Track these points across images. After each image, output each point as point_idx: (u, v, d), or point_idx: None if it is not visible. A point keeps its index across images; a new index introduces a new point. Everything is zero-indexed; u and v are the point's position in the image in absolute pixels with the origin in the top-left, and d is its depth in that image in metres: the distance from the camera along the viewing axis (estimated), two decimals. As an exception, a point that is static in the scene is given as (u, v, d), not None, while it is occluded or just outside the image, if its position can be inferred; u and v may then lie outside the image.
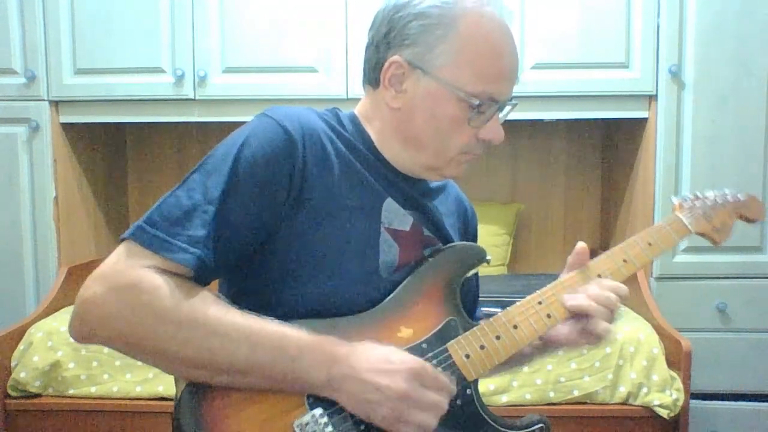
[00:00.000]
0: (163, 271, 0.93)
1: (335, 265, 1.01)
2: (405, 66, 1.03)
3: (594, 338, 1.06)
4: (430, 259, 1.09)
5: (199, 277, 0.96)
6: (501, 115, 1.08)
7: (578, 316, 1.06)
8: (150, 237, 0.94)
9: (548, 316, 1.07)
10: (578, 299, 1.06)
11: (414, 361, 0.95)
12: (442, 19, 1.01)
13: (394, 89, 1.05)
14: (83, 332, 0.94)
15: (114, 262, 0.94)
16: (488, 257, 1.13)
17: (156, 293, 0.91)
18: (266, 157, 0.97)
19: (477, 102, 1.02)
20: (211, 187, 0.96)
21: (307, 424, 0.93)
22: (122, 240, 0.96)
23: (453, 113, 1.03)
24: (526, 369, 2.10)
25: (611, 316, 1.06)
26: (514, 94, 1.09)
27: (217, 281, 1.08)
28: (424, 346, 1.02)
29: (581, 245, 1.11)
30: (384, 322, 1.02)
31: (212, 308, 0.93)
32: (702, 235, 1.24)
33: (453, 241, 1.15)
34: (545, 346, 1.13)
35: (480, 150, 1.09)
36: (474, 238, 1.27)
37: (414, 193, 1.11)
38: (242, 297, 1.03)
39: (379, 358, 0.94)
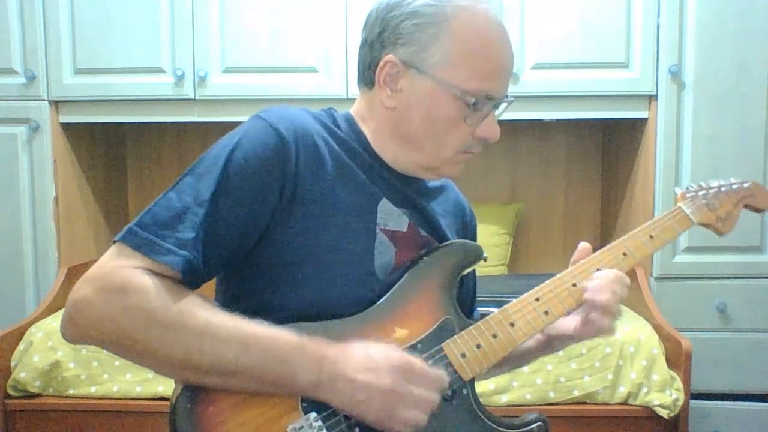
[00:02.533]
0: (153, 273, 0.93)
1: (331, 267, 1.01)
2: (399, 65, 1.03)
3: (599, 331, 1.06)
4: (426, 258, 1.08)
5: (188, 280, 0.96)
6: (497, 112, 1.07)
7: (584, 308, 1.06)
8: (139, 239, 0.94)
9: (546, 313, 1.07)
10: (601, 296, 1.05)
11: (399, 357, 0.95)
12: (435, 17, 1.01)
13: (389, 89, 1.05)
14: (74, 333, 0.94)
15: (104, 263, 0.94)
16: (485, 255, 1.13)
17: (144, 295, 0.91)
18: (258, 159, 0.97)
19: (473, 100, 1.02)
20: (202, 189, 0.96)
21: (301, 428, 0.94)
22: (114, 242, 0.96)
23: (449, 112, 1.03)
24: (526, 369, 2.10)
25: (618, 308, 1.06)
26: (515, 94, 1.09)
27: (213, 285, 1.08)
28: (419, 346, 1.02)
29: (584, 245, 1.11)
30: (379, 322, 1.02)
31: (201, 310, 0.93)
32: (705, 225, 1.21)
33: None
34: (550, 341, 1.13)
35: (477, 148, 1.08)
36: (473, 239, 1.26)
37: (410, 193, 1.11)
38: (238, 300, 1.03)
39: (364, 357, 0.94)
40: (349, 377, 0.93)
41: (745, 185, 1.26)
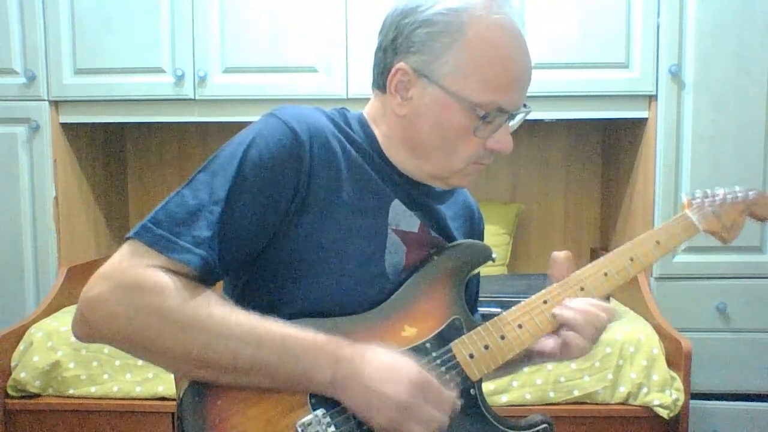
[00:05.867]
0: (168, 271, 0.92)
1: (341, 265, 1.01)
2: (411, 73, 1.01)
3: (573, 352, 1.06)
4: (435, 258, 1.08)
5: (204, 278, 0.96)
6: (512, 123, 1.06)
7: (562, 327, 1.06)
8: (154, 236, 0.93)
9: (554, 315, 1.07)
10: (566, 312, 1.05)
11: (419, 373, 0.94)
12: (449, 26, 0.99)
13: (400, 96, 1.03)
14: (86, 331, 0.93)
15: (118, 261, 0.93)
16: (494, 255, 1.13)
17: (160, 293, 0.90)
18: (273, 158, 0.97)
19: (483, 113, 1.00)
20: (217, 187, 0.96)
21: (309, 424, 0.94)
22: (127, 239, 0.96)
23: (459, 123, 1.01)
24: (526, 369, 2.09)
25: (597, 334, 1.05)
26: None
27: (221, 281, 1.08)
28: (428, 345, 1.02)
29: (559, 255, 1.10)
30: (388, 321, 1.02)
31: (216, 308, 0.93)
32: (711, 233, 1.23)
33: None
34: (529, 355, 1.12)
35: (488, 159, 1.07)
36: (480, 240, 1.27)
37: (420, 196, 1.10)
38: (248, 297, 1.03)
39: (383, 365, 0.93)
40: (365, 382, 0.92)
41: (750, 195, 1.26)
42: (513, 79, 1.01)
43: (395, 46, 1.03)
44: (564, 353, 1.07)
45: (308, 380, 0.93)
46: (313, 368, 0.92)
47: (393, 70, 1.03)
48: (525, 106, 1.06)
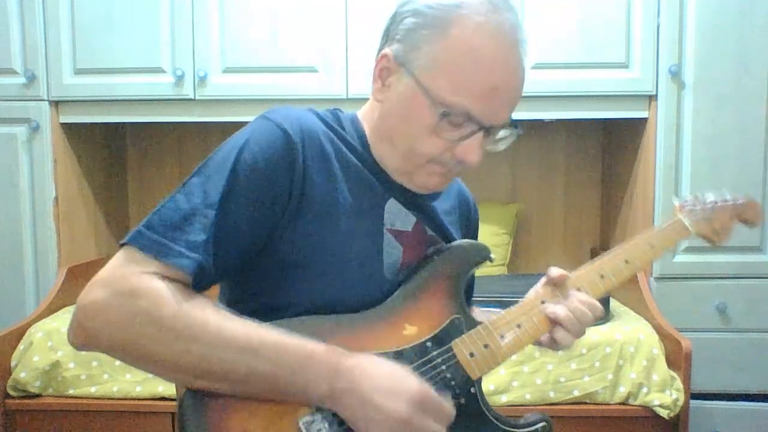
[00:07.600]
0: (163, 278, 0.91)
1: (338, 267, 1.00)
2: (392, 61, 1.01)
3: (558, 346, 1.08)
4: (435, 258, 1.09)
5: (199, 282, 0.95)
6: (492, 138, 1.03)
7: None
8: (149, 242, 0.93)
9: (548, 316, 1.07)
10: (557, 310, 1.07)
11: (418, 386, 0.93)
12: (434, 20, 0.98)
13: (381, 82, 1.04)
14: (82, 339, 0.92)
15: (113, 267, 0.93)
16: (492, 256, 1.13)
17: (155, 301, 0.89)
18: (266, 160, 0.96)
19: (442, 110, 0.97)
20: (211, 191, 0.95)
21: (313, 422, 0.93)
22: (122, 245, 0.95)
23: (423, 117, 0.99)
24: (526, 369, 2.10)
25: (582, 330, 1.07)
26: None
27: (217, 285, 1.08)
28: (429, 344, 1.02)
29: (559, 274, 1.11)
30: (389, 320, 1.02)
31: (212, 317, 0.92)
32: (702, 237, 1.27)
33: (455, 240, 1.15)
34: None
35: (454, 167, 1.03)
36: (475, 232, 1.27)
37: (414, 194, 1.10)
38: (244, 300, 1.02)
39: (383, 378, 0.92)
40: (364, 395, 0.91)
41: (739, 202, 1.31)
42: (489, 88, 0.97)
43: (388, 32, 1.04)
44: (549, 345, 1.09)
45: (305, 392, 0.92)
46: (310, 381, 0.91)
47: (379, 56, 1.03)
48: (515, 127, 1.04)
